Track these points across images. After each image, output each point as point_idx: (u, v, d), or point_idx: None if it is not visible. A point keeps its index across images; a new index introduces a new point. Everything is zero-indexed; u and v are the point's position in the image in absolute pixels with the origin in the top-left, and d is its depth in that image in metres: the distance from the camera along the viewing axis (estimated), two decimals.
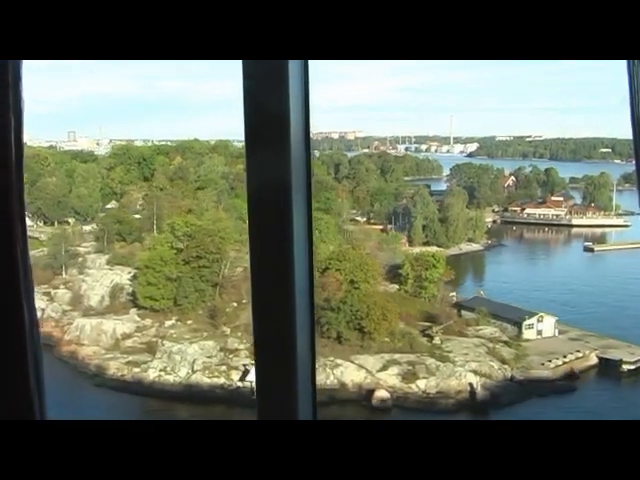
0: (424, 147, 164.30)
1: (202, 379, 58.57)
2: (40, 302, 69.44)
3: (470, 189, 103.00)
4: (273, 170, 2.83)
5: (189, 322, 63.98)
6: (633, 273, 79.03)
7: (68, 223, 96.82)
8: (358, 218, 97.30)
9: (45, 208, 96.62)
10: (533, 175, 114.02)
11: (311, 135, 3.13)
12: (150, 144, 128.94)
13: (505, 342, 63.16)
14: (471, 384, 57.15)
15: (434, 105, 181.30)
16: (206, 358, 60.01)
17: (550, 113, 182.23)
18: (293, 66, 2.80)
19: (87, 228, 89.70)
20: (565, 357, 61.37)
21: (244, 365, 59.80)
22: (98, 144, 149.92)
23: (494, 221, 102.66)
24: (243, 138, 2.95)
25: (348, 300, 60.26)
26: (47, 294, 71.07)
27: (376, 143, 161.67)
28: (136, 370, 60.52)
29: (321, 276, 65.53)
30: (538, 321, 65.57)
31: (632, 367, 60.07)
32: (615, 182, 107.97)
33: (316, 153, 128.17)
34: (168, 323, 64.17)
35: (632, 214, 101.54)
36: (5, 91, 2.75)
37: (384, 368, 59.09)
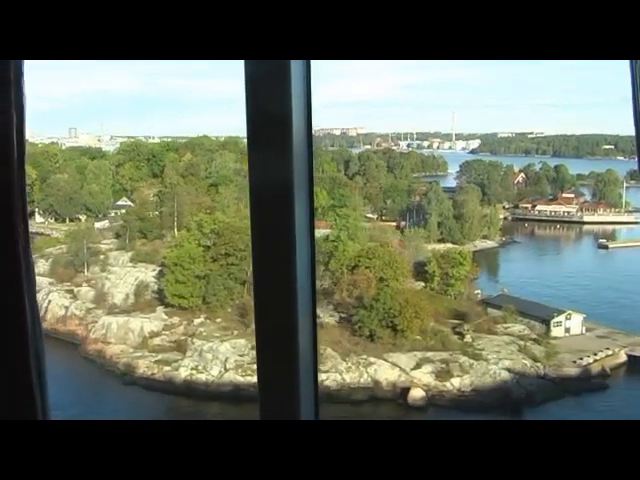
0: (426, 144, 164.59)
1: (235, 378, 58.08)
2: (63, 300, 68.91)
3: (480, 186, 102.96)
4: (275, 169, 2.84)
5: (218, 320, 63.46)
6: None
7: (79, 220, 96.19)
8: (370, 215, 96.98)
9: (57, 205, 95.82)
10: (543, 172, 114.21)
11: (313, 132, 3.13)
12: (156, 141, 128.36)
13: (535, 340, 63.11)
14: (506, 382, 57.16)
15: (435, 102, 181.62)
16: (238, 356, 59.52)
17: (551, 110, 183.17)
18: (295, 66, 2.81)
19: (98, 225, 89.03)
20: (596, 355, 61.42)
21: None
22: (99, 140, 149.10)
23: (505, 218, 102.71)
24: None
25: (381, 298, 59.94)
26: (70, 292, 70.41)
27: (378, 139, 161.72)
28: (167, 369, 59.97)
29: (351, 274, 65.34)
30: (566, 319, 65.55)
31: None
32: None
33: (325, 149, 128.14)
34: (197, 321, 63.62)
35: None
36: (7, 87, 2.73)
37: (418, 366, 58.91)
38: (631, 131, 2.90)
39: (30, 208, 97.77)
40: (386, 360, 59.27)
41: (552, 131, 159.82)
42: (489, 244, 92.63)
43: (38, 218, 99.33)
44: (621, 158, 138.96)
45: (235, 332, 61.51)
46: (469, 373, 58.32)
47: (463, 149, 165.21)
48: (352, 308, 62.26)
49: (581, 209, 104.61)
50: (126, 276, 69.88)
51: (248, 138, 2.84)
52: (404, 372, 58.62)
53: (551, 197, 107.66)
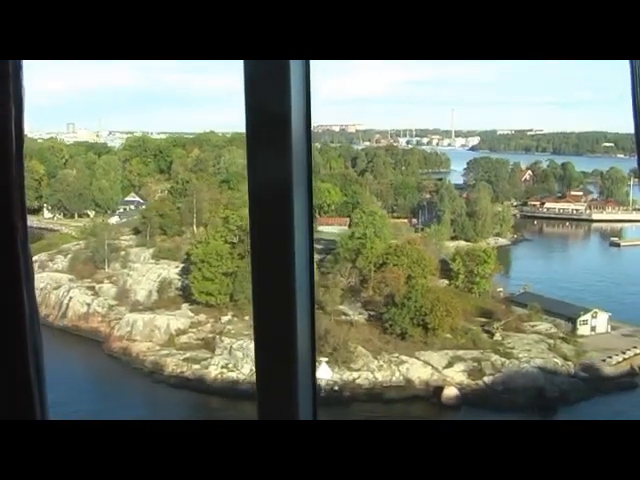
0: (425, 140, 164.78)
1: None
2: (84, 297, 68.02)
3: (488, 183, 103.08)
4: (274, 169, 2.84)
5: (247, 318, 62.72)
6: None
7: (88, 216, 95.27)
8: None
9: (66, 200, 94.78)
10: (550, 169, 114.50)
11: (312, 128, 3.12)
12: (159, 137, 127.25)
13: (562, 338, 63.13)
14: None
15: (434, 99, 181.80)
16: None
17: (550, 107, 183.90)
18: (295, 66, 2.82)
19: (112, 220, 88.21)
20: (624, 353, 61.58)
21: None
22: (98, 136, 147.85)
23: (513, 215, 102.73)
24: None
25: (412, 296, 59.62)
26: (91, 288, 69.46)
27: (377, 136, 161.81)
28: (196, 367, 59.28)
29: (378, 271, 65.00)
30: (592, 317, 65.65)
31: None
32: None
33: (333, 146, 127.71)
34: (224, 319, 62.95)
35: None
36: (5, 80, 2.72)
37: (450, 365, 58.72)
38: (629, 128, 2.92)
39: (38, 204, 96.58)
40: (418, 358, 59.00)
41: (551, 128, 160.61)
42: (501, 241, 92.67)
43: (46, 214, 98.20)
44: (621, 156, 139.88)
45: None
46: (501, 372, 58.18)
47: (462, 146, 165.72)
48: (382, 306, 61.91)
49: (589, 207, 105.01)
50: (148, 273, 69.08)
51: (247, 137, 2.83)
52: (436, 370, 58.40)
53: (559, 195, 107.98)
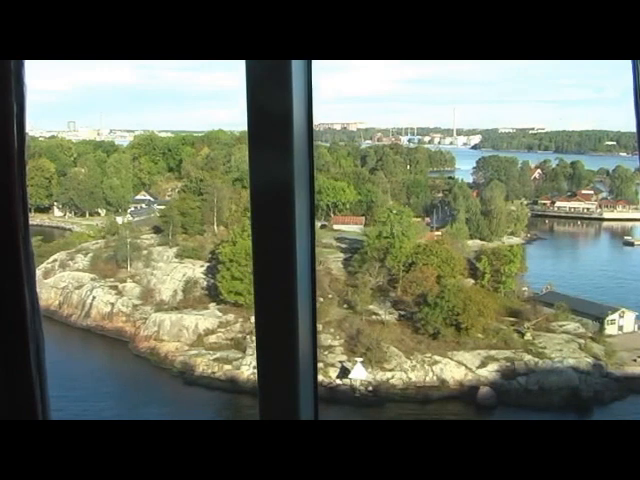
0: (427, 139, 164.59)
1: None
2: (108, 296, 67.25)
3: (499, 182, 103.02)
4: (276, 168, 2.86)
5: None
6: None
7: (98, 214, 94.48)
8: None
9: (77, 199, 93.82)
10: (560, 168, 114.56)
11: (313, 127, 3.14)
12: (167, 135, 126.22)
13: (591, 338, 63.07)
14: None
15: (434, 97, 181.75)
16: None
17: (551, 106, 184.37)
18: (296, 65, 2.84)
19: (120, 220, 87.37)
20: None
21: (340, 362, 58.59)
22: (99, 134, 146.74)
23: None
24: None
25: (445, 295, 59.34)
26: (114, 288, 68.65)
27: (379, 134, 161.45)
28: (227, 367, 58.70)
29: (408, 271, 64.68)
30: (620, 317, 65.66)
31: None
32: None
33: (342, 144, 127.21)
34: (254, 318, 62.21)
35: None
36: (7, 78, 2.73)
37: (483, 365, 58.52)
38: (631, 127, 2.64)
39: (49, 202, 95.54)
40: (451, 358, 58.75)
41: (552, 127, 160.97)
42: (515, 240, 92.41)
43: (57, 212, 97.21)
44: (624, 154, 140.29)
45: None
46: (535, 372, 58.05)
47: (464, 145, 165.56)
48: (413, 305, 61.63)
49: (600, 206, 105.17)
50: (173, 272, 68.35)
51: (249, 137, 2.83)
52: (470, 370, 58.18)
53: (569, 194, 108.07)
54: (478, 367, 58.43)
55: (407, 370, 58.15)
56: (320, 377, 57.83)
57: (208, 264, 67.44)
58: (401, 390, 57.10)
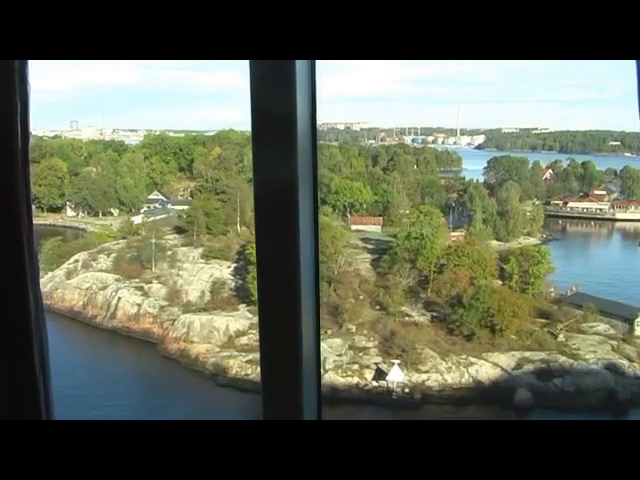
0: (430, 139, 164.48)
1: (336, 379, 56.53)
2: (134, 297, 66.52)
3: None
4: (280, 168, 2.85)
5: None
6: None
7: (112, 214, 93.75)
8: (407, 211, 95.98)
9: (91, 199, 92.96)
10: (571, 168, 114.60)
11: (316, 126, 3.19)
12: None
13: (623, 339, 62.96)
14: None
15: (438, 96, 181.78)
16: (336, 356, 58.02)
17: (553, 106, 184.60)
18: (300, 65, 2.84)
19: (135, 219, 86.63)
20: None
21: (376, 364, 58.14)
22: (102, 134, 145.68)
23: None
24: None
25: (480, 296, 59.02)
26: (139, 289, 67.84)
27: (382, 134, 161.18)
28: None
29: (442, 272, 64.35)
30: None
31: None
32: None
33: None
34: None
35: None
36: (11, 77, 2.74)
37: (518, 366, 58.24)
38: (636, 127, 2.48)
39: (61, 202, 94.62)
40: (486, 360, 58.44)
41: (555, 127, 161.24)
42: (531, 241, 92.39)
43: (69, 212, 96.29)
44: (628, 154, 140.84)
45: (329, 332, 59.87)
46: (570, 373, 57.86)
47: (468, 144, 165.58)
48: (446, 307, 61.30)
49: (612, 206, 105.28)
50: (199, 273, 67.62)
51: (253, 136, 2.84)
52: (505, 372, 57.90)
53: (582, 194, 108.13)
54: (514, 369, 58.15)
55: (443, 372, 57.79)
56: (355, 379, 57.51)
57: (235, 265, 66.75)
58: (437, 392, 56.73)
